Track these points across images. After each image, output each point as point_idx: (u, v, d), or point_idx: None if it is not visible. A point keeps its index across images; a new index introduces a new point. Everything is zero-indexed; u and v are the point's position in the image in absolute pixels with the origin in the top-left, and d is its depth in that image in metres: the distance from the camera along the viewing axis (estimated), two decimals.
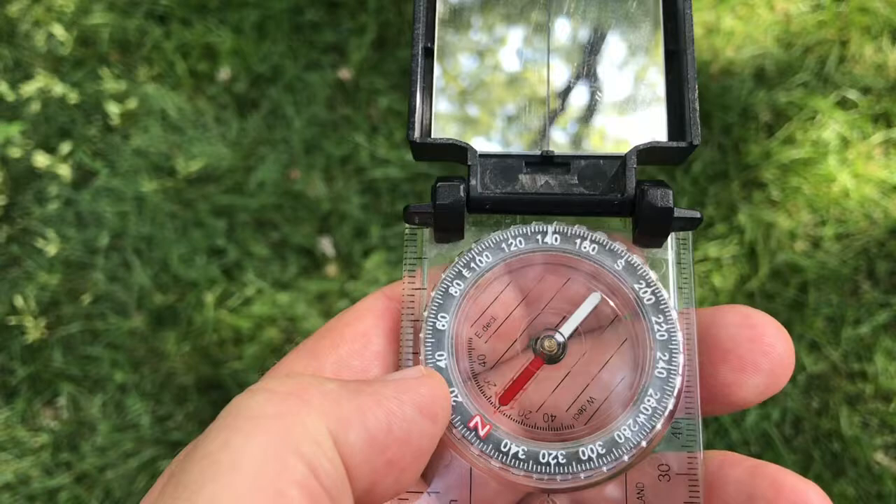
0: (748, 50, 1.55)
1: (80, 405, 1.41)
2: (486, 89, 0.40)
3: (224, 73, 1.60)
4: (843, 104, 1.50)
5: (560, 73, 0.40)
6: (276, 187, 1.50)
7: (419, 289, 0.38)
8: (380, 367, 0.37)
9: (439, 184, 0.37)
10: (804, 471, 1.28)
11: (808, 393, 1.34)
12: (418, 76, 0.39)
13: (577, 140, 0.39)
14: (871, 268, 1.40)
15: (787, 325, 1.36)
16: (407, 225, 0.39)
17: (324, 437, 0.28)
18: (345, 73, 1.58)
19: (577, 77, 0.40)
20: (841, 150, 1.46)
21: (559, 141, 0.39)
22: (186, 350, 1.41)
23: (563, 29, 0.40)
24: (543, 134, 0.39)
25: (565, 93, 0.40)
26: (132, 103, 1.59)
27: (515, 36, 0.41)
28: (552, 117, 0.39)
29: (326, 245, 1.47)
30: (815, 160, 1.46)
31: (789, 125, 1.48)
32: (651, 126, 0.38)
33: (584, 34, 0.40)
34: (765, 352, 0.34)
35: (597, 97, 0.39)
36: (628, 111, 0.39)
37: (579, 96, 0.40)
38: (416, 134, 0.38)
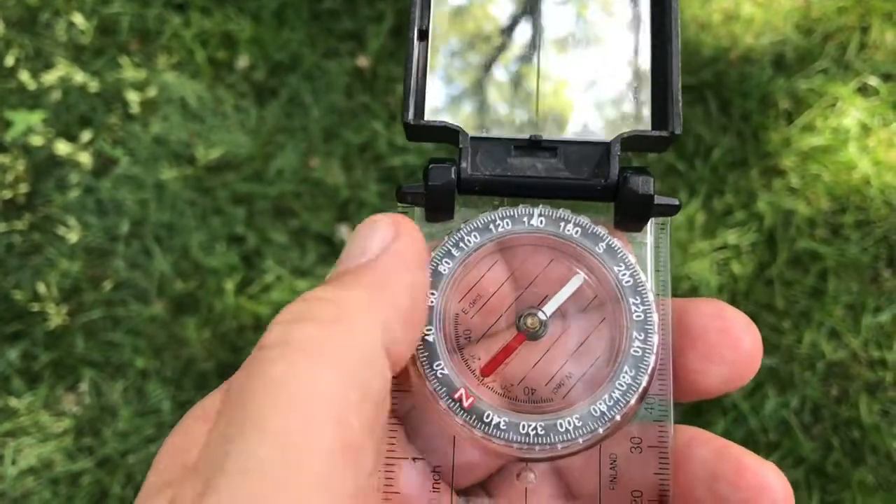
0: (768, 37, 1.54)
1: (101, 391, 1.43)
2: (480, 75, 0.42)
3: (243, 62, 1.61)
4: (864, 91, 1.49)
5: (550, 61, 0.41)
6: (295, 175, 1.51)
7: None
8: None
9: (431, 165, 0.38)
10: (823, 459, 1.28)
11: (827, 381, 1.33)
12: (413, 59, 0.40)
13: (565, 126, 0.41)
14: (891, 255, 1.39)
15: (807, 313, 1.36)
16: (399, 204, 0.40)
17: (378, 355, 0.30)
18: (363, 61, 1.59)
19: (567, 64, 0.41)
20: (861, 137, 1.46)
21: (548, 127, 0.41)
22: (206, 336, 1.43)
23: (555, 19, 0.42)
24: (533, 120, 0.41)
25: (555, 80, 0.41)
26: (152, 91, 1.60)
27: (509, 24, 0.42)
28: (541, 104, 0.41)
29: (345, 233, 1.48)
30: (835, 147, 1.45)
31: (809, 112, 1.48)
32: (638, 115, 0.40)
33: (574, 25, 0.42)
34: (731, 344, 0.36)
35: (585, 85, 0.41)
36: (617, 99, 0.40)
37: (568, 83, 0.41)
38: (410, 116, 0.40)
